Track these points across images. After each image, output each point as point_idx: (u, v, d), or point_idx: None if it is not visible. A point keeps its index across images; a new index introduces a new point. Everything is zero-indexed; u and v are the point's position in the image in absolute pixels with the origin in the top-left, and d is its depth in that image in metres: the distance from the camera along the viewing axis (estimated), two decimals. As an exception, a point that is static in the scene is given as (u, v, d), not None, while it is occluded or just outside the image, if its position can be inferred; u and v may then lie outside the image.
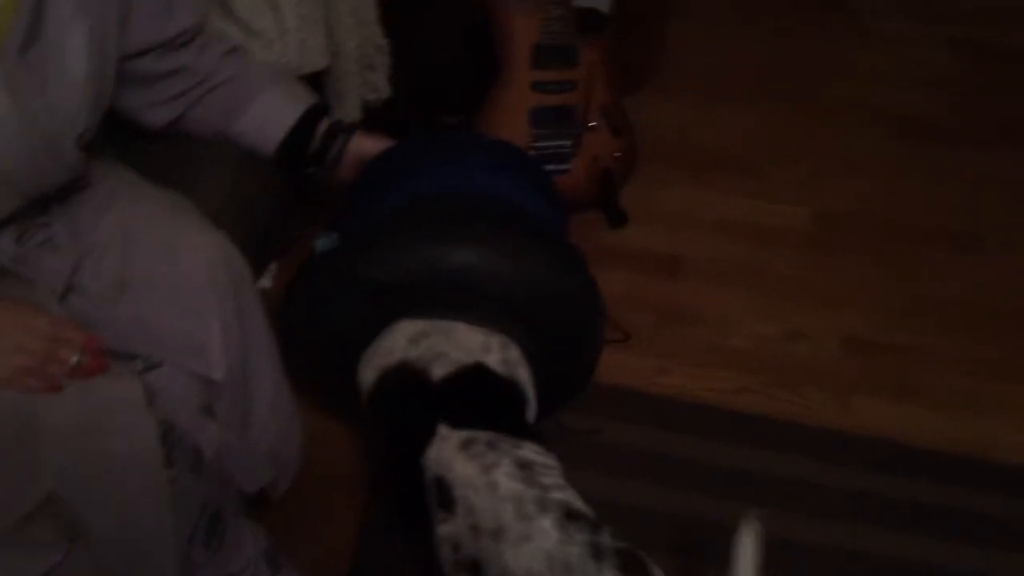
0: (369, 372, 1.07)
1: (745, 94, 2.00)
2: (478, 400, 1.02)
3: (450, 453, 0.94)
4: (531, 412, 1.12)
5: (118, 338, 0.97)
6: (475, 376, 1.03)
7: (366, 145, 1.25)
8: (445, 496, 0.93)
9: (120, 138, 1.13)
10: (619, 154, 1.63)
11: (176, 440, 0.97)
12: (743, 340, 1.50)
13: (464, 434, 0.95)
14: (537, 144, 1.59)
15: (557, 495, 0.90)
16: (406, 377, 1.02)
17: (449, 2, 1.69)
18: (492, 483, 0.90)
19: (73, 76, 0.91)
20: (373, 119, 1.58)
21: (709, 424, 1.38)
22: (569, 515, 0.89)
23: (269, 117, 1.20)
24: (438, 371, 1.02)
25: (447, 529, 0.92)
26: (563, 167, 1.61)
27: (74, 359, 0.86)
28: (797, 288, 1.59)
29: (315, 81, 1.43)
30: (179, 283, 1.00)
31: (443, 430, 0.96)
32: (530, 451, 0.95)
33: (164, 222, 1.04)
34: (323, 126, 1.24)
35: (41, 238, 0.98)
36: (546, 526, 0.87)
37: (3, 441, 0.80)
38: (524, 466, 0.92)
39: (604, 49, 1.57)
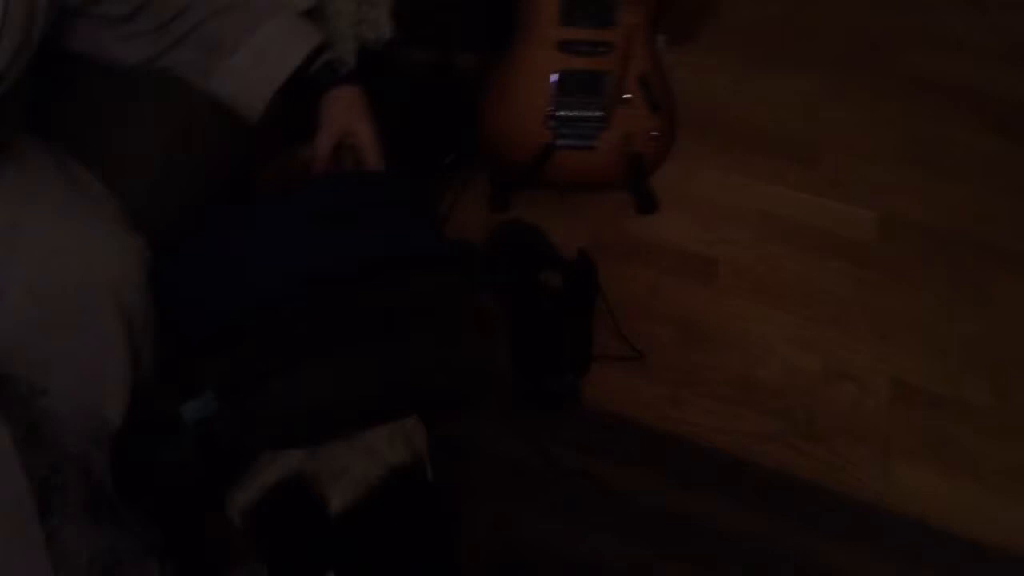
0: (249, 488, 0.86)
1: (808, 57, 1.70)
2: (383, 539, 0.83)
3: None
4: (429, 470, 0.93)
5: (-1, 356, 0.80)
6: (383, 501, 0.83)
7: (335, 106, 1.03)
8: None
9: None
10: (656, 133, 1.37)
11: (59, 484, 0.81)
12: (776, 373, 1.28)
13: None
14: (559, 113, 1.34)
15: None
16: (299, 499, 0.82)
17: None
18: None
19: None
20: (371, 64, 1.35)
21: (722, 477, 1.17)
22: None
23: (268, 54, 0.99)
24: (337, 500, 0.83)
25: None
26: (587, 143, 1.36)
27: None
28: (850, 312, 1.35)
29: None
30: (74, 299, 0.81)
31: None
32: None
33: (65, 218, 0.84)
34: (317, 64, 1.03)
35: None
36: None
37: None
38: None
39: (648, 9, 1.29)
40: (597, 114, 1.34)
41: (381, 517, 0.84)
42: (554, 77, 1.32)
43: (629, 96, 1.34)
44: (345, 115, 1.00)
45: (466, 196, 1.46)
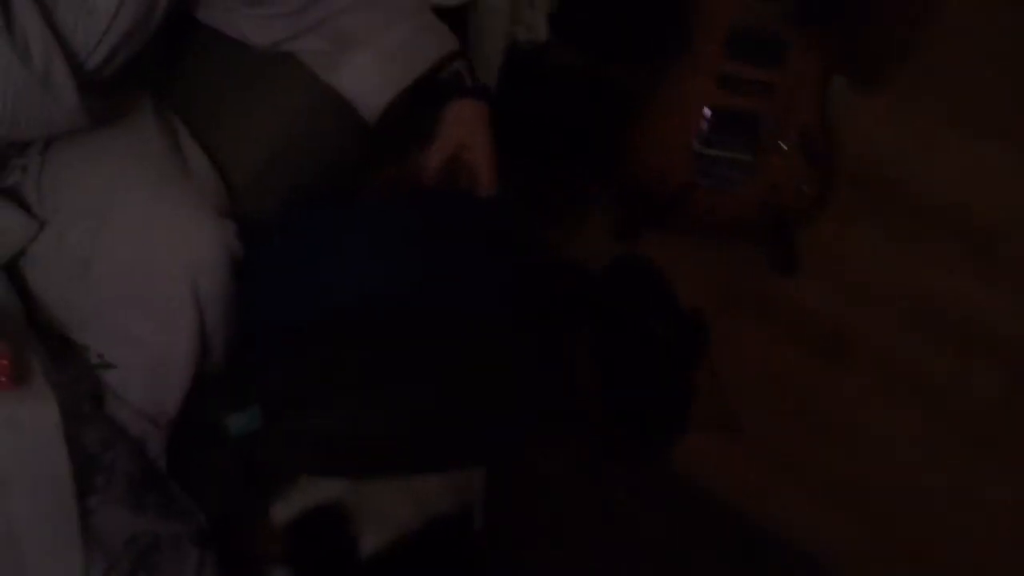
0: (290, 503, 0.82)
1: (1004, 127, 1.48)
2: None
3: None
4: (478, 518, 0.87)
5: (73, 323, 0.82)
6: (418, 549, 0.77)
7: (455, 118, 0.96)
8: None
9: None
10: (808, 189, 1.24)
11: (107, 464, 0.81)
12: (892, 482, 1.13)
13: None
14: (706, 150, 1.24)
15: None
16: (332, 531, 0.78)
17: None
18: None
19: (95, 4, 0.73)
20: (519, 65, 1.29)
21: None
22: None
23: (395, 55, 0.95)
24: (369, 542, 0.77)
25: None
26: (729, 186, 1.25)
27: None
28: (997, 430, 1.17)
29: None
30: (153, 280, 0.81)
31: None
32: None
33: (160, 196, 0.83)
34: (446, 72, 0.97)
35: (11, 181, 0.81)
36: None
37: None
38: None
39: (824, 52, 1.16)
40: (746, 158, 1.23)
41: (413, 565, 0.80)
42: (707, 112, 1.22)
43: (785, 146, 1.22)
44: (464, 129, 0.93)
45: (594, 219, 1.39)
